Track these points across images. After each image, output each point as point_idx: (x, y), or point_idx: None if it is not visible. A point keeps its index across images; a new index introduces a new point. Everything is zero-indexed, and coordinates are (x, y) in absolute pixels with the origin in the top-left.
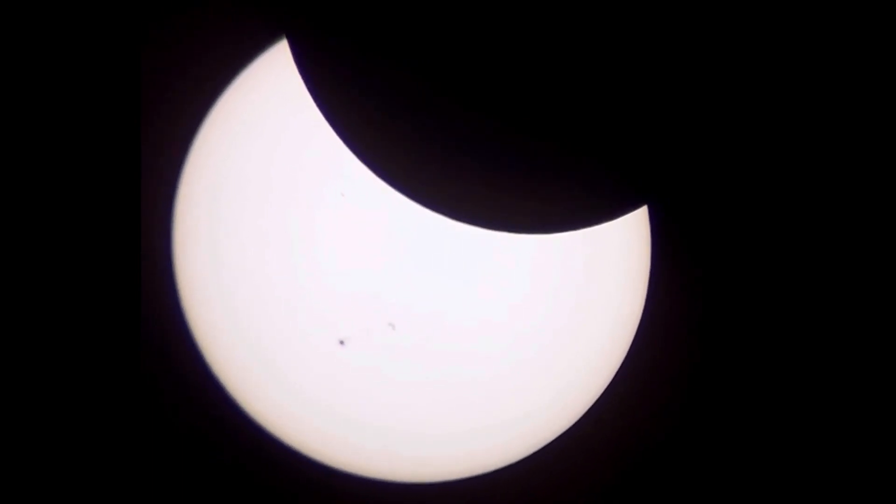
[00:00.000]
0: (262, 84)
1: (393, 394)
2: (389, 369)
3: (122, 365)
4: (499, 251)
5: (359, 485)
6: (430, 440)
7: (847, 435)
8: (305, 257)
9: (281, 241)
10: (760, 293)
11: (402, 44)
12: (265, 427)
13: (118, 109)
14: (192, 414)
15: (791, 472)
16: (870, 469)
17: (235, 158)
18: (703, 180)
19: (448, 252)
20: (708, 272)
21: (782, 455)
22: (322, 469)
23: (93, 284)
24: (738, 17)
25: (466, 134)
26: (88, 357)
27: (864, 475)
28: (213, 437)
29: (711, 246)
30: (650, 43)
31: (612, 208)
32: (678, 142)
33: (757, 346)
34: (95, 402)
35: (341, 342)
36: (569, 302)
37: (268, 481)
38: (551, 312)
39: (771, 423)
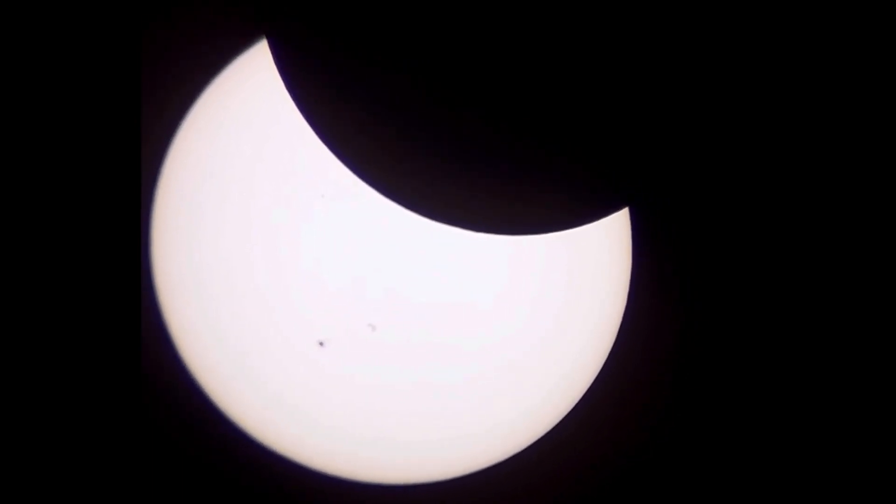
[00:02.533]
0: (241, 85)
1: (372, 395)
2: (369, 371)
3: (97, 363)
4: (480, 253)
5: (337, 486)
6: (410, 442)
7: (830, 434)
8: (285, 258)
9: (260, 242)
10: (742, 294)
11: (381, 46)
12: (243, 427)
13: (99, 107)
14: (168, 415)
15: (773, 471)
16: (852, 466)
17: (214, 159)
18: (684, 182)
19: (429, 253)
20: (689, 273)
21: (764, 454)
22: (301, 471)
23: (76, 283)
24: (715, 22)
25: (448, 135)
26: (64, 351)
27: (845, 473)
28: (190, 437)
29: (693, 247)
30: (631, 47)
31: (593, 210)
32: (660, 144)
33: (738, 346)
34: (70, 399)
35: (321, 343)
36: (551, 303)
37: (245, 482)
38: (533, 314)
39: (752, 422)
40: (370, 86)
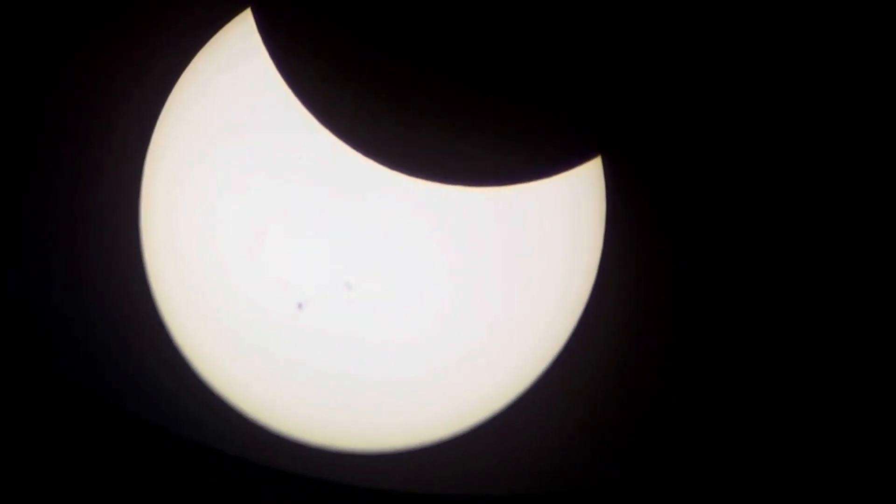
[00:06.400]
0: (226, 53)
1: (351, 355)
2: (347, 330)
3: (76, 322)
4: (452, 207)
5: (314, 453)
6: (387, 404)
7: (811, 421)
8: (261, 220)
9: (236, 206)
10: (718, 243)
11: (360, 14)
12: (222, 394)
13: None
14: (147, 379)
15: (749, 445)
16: (832, 452)
17: (196, 122)
18: (657, 129)
19: (402, 210)
20: (664, 222)
21: (739, 425)
22: (277, 437)
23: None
24: None
25: (419, 88)
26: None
27: (827, 459)
28: (168, 402)
29: (667, 195)
30: None
31: (565, 158)
32: (632, 87)
33: (715, 298)
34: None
35: (299, 305)
36: (524, 257)
37: (222, 449)
38: (506, 269)
39: (726, 385)
40: (343, 45)
